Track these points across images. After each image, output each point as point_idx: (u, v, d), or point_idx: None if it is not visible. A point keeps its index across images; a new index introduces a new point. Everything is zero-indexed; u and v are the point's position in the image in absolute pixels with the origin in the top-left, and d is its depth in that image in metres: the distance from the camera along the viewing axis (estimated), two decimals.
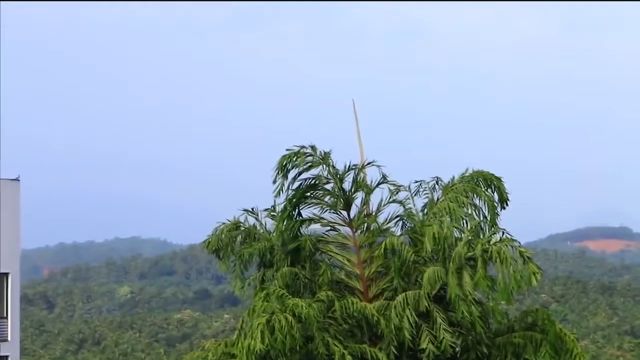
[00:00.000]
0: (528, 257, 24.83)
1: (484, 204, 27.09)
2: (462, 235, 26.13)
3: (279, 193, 26.85)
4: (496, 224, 26.83)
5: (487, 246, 25.17)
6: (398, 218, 27.79)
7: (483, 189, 27.30)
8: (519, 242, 25.35)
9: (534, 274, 24.61)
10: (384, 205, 27.68)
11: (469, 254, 25.42)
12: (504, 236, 25.83)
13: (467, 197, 27.05)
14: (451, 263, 25.17)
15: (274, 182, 26.71)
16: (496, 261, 24.77)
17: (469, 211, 26.99)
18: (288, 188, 26.99)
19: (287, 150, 26.80)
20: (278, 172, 26.69)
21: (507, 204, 27.31)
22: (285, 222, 27.07)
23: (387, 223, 27.76)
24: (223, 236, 28.01)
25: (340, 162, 27.37)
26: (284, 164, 26.66)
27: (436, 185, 27.98)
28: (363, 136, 28.05)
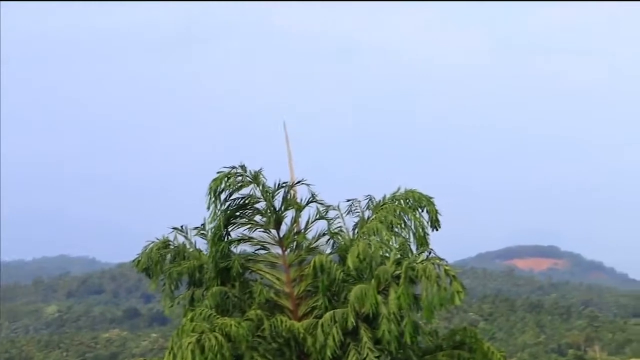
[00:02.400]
0: (453, 276, 25.15)
1: (414, 223, 27.38)
2: (390, 253, 26.39)
3: (213, 218, 26.95)
4: (425, 243, 27.11)
5: (414, 264, 25.46)
6: (328, 237, 27.99)
7: (413, 209, 27.60)
8: (446, 261, 25.65)
9: (457, 292, 24.94)
10: (312, 223, 27.87)
11: (396, 272, 25.69)
12: (432, 255, 26.11)
13: (396, 216, 27.33)
14: (376, 281, 25.43)
15: (208, 207, 26.79)
16: (421, 279, 25.05)
17: (399, 230, 27.26)
18: (220, 210, 27.06)
19: (217, 172, 26.90)
20: (210, 196, 26.79)
21: (438, 224, 27.62)
22: (216, 245, 27.15)
23: (317, 241, 27.94)
24: (153, 255, 27.97)
25: (272, 181, 27.55)
26: (216, 186, 26.76)
27: (369, 204, 28.25)
28: (298, 156, 28.28)
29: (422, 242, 27.04)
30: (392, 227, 27.02)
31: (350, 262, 25.82)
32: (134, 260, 28.22)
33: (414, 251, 26.83)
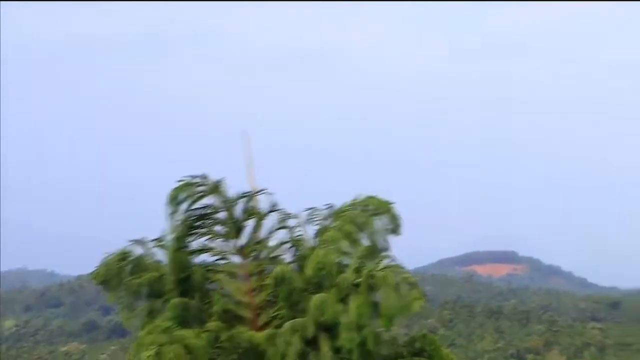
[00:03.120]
0: (412, 283, 25.19)
1: (374, 230, 27.38)
2: (350, 261, 26.37)
3: (173, 229, 26.83)
4: (386, 250, 27.12)
5: (374, 272, 25.46)
6: (288, 245, 27.93)
7: (373, 215, 27.59)
8: (406, 268, 25.69)
9: (416, 299, 24.98)
10: (273, 232, 27.80)
11: (356, 280, 25.68)
12: (392, 262, 26.12)
13: (356, 223, 27.31)
14: (336, 289, 25.41)
15: (168, 217, 26.68)
16: (381, 287, 25.07)
17: (358, 237, 27.25)
18: (180, 220, 26.95)
19: (178, 182, 26.79)
20: (170, 206, 26.67)
21: (398, 230, 27.63)
22: (176, 255, 27.02)
23: (277, 250, 27.87)
24: (111, 267, 27.75)
25: (234, 190, 27.52)
26: (176, 196, 26.65)
27: (328, 212, 28.22)
28: (260, 166, 28.24)
29: (383, 248, 27.05)
30: (352, 234, 27.01)
31: (309, 270, 25.78)
32: (92, 273, 27.99)
33: (374, 258, 26.82)
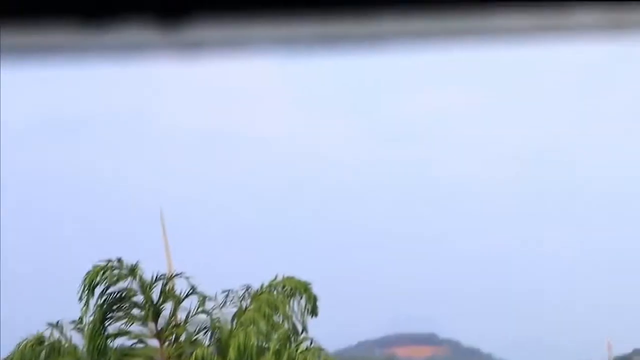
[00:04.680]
0: None
1: (293, 311, 27.42)
2: (270, 344, 26.31)
3: (89, 312, 26.65)
4: (305, 332, 27.14)
5: (294, 354, 25.44)
6: (206, 328, 27.81)
7: (291, 297, 27.64)
8: (326, 350, 25.73)
9: None
10: (192, 316, 27.68)
11: None
12: (312, 345, 26.14)
13: (274, 305, 27.32)
14: None
15: (83, 301, 26.52)
16: None
17: (278, 319, 27.24)
18: (96, 304, 26.78)
19: (93, 265, 26.71)
20: (85, 290, 26.52)
21: (316, 312, 27.68)
22: (93, 340, 26.75)
23: (196, 334, 27.72)
24: (26, 352, 27.33)
25: (150, 273, 27.43)
26: (90, 280, 26.53)
27: (246, 294, 28.20)
28: (177, 247, 28.21)
29: (301, 331, 27.06)
30: (270, 316, 26.99)
31: (232, 354, 25.63)
32: (5, 358, 27.53)
33: (294, 341, 26.81)
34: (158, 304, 27.45)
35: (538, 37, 1.68)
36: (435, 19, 1.62)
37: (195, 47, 1.65)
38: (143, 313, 27.45)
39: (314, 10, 1.59)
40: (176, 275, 27.64)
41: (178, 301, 27.57)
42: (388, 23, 1.61)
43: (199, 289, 27.76)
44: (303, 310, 27.54)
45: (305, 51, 1.67)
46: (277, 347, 26.18)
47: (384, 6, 1.61)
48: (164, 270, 27.77)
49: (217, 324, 27.72)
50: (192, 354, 26.58)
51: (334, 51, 1.67)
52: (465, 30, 1.63)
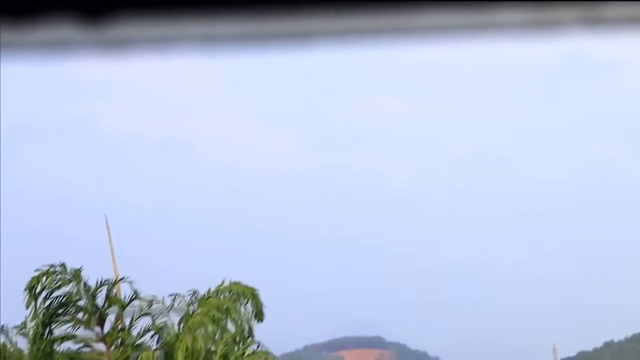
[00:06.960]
0: None
1: (240, 316, 27.42)
2: (217, 348, 26.28)
3: (34, 317, 26.49)
4: (252, 336, 27.15)
5: (241, 359, 25.44)
6: (154, 332, 27.70)
7: (237, 301, 27.64)
8: (273, 354, 25.75)
9: None
10: (136, 320, 27.56)
11: None
12: (258, 348, 26.15)
13: (220, 309, 27.30)
14: None
15: (27, 305, 26.39)
16: None
17: (225, 324, 27.23)
18: (40, 308, 26.63)
19: (36, 270, 26.60)
20: (28, 294, 26.38)
21: (261, 316, 27.71)
22: (37, 344, 26.58)
23: (142, 337, 27.61)
24: None
25: (95, 278, 27.36)
26: (33, 285, 26.41)
27: (193, 298, 28.14)
28: (122, 252, 28.11)
29: (248, 335, 27.07)
30: (218, 320, 26.96)
31: (179, 357, 25.56)
32: None
33: (241, 344, 26.80)
34: (103, 308, 27.32)
35: (464, 36, 1.68)
36: (364, 17, 1.61)
37: (120, 45, 1.62)
38: (87, 317, 27.30)
39: (240, 7, 1.57)
40: (120, 280, 27.54)
41: (123, 306, 27.45)
42: (316, 20, 1.60)
43: (145, 293, 27.70)
44: (250, 315, 27.56)
45: (233, 49, 1.65)
46: (224, 350, 26.14)
47: (313, 3, 1.59)
48: (110, 275, 27.66)
49: (163, 328, 27.62)
50: (138, 357, 26.46)
51: (263, 49, 1.66)
52: (392, 28, 1.62)
